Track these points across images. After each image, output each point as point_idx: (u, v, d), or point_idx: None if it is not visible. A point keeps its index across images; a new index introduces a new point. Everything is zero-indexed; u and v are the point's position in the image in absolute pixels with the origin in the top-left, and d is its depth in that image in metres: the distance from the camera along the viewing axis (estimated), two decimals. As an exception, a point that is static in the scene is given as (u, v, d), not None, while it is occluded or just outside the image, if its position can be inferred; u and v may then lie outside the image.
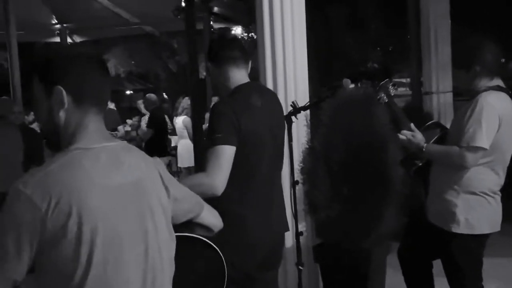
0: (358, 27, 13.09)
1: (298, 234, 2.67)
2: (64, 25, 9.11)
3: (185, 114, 7.67)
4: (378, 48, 15.95)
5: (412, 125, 2.85)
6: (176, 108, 8.33)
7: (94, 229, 1.31)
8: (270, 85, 3.15)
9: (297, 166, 3.04)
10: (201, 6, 7.80)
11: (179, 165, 7.95)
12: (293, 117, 2.65)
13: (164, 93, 19.28)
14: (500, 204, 2.82)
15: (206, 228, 1.75)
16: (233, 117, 2.18)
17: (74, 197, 1.29)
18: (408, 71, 9.77)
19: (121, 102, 19.93)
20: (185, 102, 7.75)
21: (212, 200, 1.88)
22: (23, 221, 1.28)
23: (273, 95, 2.61)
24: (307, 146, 3.19)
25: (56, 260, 1.29)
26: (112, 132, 8.16)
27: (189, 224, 1.69)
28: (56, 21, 9.08)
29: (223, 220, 1.84)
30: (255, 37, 9.59)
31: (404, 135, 2.83)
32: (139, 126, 8.90)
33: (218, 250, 1.75)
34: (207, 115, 7.98)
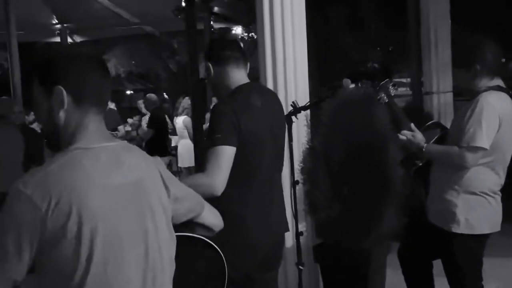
0: (358, 27, 13.09)
1: (298, 234, 2.67)
2: (65, 25, 9.12)
3: (186, 114, 7.67)
4: (378, 48, 15.96)
5: (412, 125, 2.85)
6: (177, 108, 8.33)
7: (94, 229, 1.31)
8: (270, 85, 3.15)
9: (297, 166, 3.05)
10: (202, 6, 7.81)
11: (179, 165, 7.96)
12: (293, 117, 2.65)
13: (164, 93, 19.30)
14: (500, 204, 2.82)
15: (206, 228, 1.75)
16: (234, 117, 2.18)
17: (74, 197, 1.29)
18: (408, 71, 9.78)
19: (121, 102, 19.94)
20: (186, 102, 7.76)
21: (212, 200, 1.88)
22: (23, 221, 1.28)
23: (273, 95, 2.61)
24: (307, 146, 3.19)
25: (56, 260, 1.30)
26: (113, 132, 8.16)
27: (190, 224, 1.69)
28: (57, 21, 9.09)
29: (224, 220, 1.84)
30: (255, 37, 9.59)
31: (404, 135, 2.83)
32: (139, 125, 8.90)
33: (218, 250, 1.75)
34: (207, 115, 7.98)
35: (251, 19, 7.86)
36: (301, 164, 3.15)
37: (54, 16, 8.97)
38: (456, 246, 2.77)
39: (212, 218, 1.77)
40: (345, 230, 3.07)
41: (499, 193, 2.80)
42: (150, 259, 1.42)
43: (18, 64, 6.69)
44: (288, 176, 2.78)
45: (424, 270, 3.12)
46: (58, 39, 9.40)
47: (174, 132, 8.21)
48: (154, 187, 1.49)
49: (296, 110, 2.66)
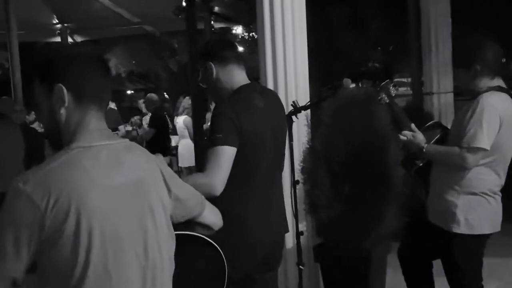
0: (358, 26, 13.08)
1: (298, 234, 2.67)
2: (65, 25, 9.11)
3: (186, 114, 7.67)
4: (379, 48, 15.95)
5: (413, 125, 2.85)
6: (177, 108, 8.33)
7: (93, 229, 1.31)
8: (270, 85, 3.15)
9: (297, 166, 3.05)
10: (202, 6, 7.79)
11: (180, 164, 7.95)
12: (293, 117, 2.65)
13: (165, 93, 19.29)
14: (501, 204, 2.82)
15: (206, 226, 1.75)
16: (235, 117, 2.17)
17: (74, 197, 1.29)
18: (408, 71, 9.78)
19: (122, 102, 19.94)
20: (186, 101, 7.75)
21: (212, 200, 1.88)
22: (22, 219, 1.28)
23: (274, 95, 2.61)
24: (308, 146, 3.19)
25: (55, 259, 1.30)
26: (113, 132, 8.14)
27: (190, 223, 1.69)
28: (57, 21, 9.08)
29: (224, 220, 1.84)
30: (256, 37, 9.59)
31: (404, 135, 2.83)
32: (141, 124, 8.90)
33: (219, 248, 1.75)
34: (208, 115, 7.99)
35: (252, 19, 7.85)
36: (302, 164, 3.15)
37: (55, 16, 8.96)
38: (456, 246, 2.77)
39: (213, 217, 1.78)
40: (346, 230, 3.07)
41: (499, 193, 2.80)
42: (150, 258, 1.43)
43: (19, 64, 6.69)
44: (288, 176, 2.78)
45: (424, 270, 3.12)
46: (58, 39, 9.39)
47: (174, 132, 8.21)
48: (155, 186, 1.49)
49: (297, 109, 2.66)
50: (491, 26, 9.35)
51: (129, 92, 24.12)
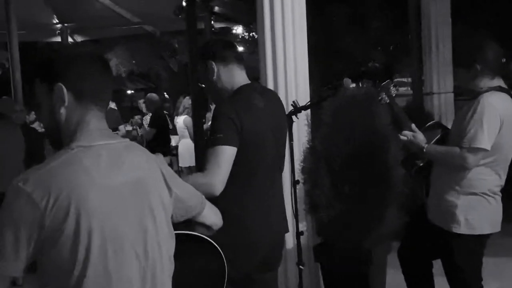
0: (359, 26, 13.08)
1: (298, 234, 2.68)
2: (65, 24, 9.11)
3: (186, 114, 7.68)
4: (379, 48, 15.95)
5: (413, 125, 2.85)
6: (177, 108, 8.34)
7: (93, 228, 1.31)
8: (270, 85, 3.15)
9: (297, 165, 3.05)
10: (202, 6, 7.80)
11: (180, 164, 7.96)
12: (293, 117, 2.66)
13: (165, 93, 19.30)
14: (501, 204, 2.81)
15: (206, 226, 1.75)
16: (235, 117, 2.17)
17: (74, 196, 1.29)
18: (409, 71, 9.78)
19: (122, 102, 19.95)
20: (186, 101, 7.76)
21: (212, 200, 1.88)
22: (22, 219, 1.28)
23: (274, 95, 2.61)
24: (308, 146, 3.19)
25: (55, 259, 1.30)
26: (113, 132, 8.14)
27: (190, 222, 1.69)
28: (57, 21, 9.09)
29: (224, 220, 1.84)
30: (256, 37, 9.59)
31: (405, 135, 2.83)
32: (141, 124, 8.90)
33: (218, 248, 1.75)
34: (208, 115, 8.00)
35: (252, 19, 7.86)
36: (302, 164, 3.15)
37: (55, 16, 8.97)
38: (456, 246, 2.77)
39: (213, 216, 1.78)
40: (346, 229, 3.07)
41: (499, 193, 2.80)
42: (150, 258, 1.43)
43: (19, 63, 6.69)
44: (288, 175, 2.78)
45: (424, 270, 3.12)
46: (58, 39, 9.40)
47: (174, 132, 8.21)
48: (155, 186, 1.49)
49: (297, 109, 2.66)
50: (491, 26, 9.35)
51: (129, 92, 24.14)
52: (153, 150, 1.61)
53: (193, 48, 6.50)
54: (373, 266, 3.17)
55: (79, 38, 9.81)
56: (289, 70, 3.17)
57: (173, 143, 8.31)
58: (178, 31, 11.92)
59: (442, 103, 5.63)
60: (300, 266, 2.68)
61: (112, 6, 8.27)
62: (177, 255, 1.53)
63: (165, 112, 8.40)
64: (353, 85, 2.76)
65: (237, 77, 2.38)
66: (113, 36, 12.90)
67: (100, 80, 1.47)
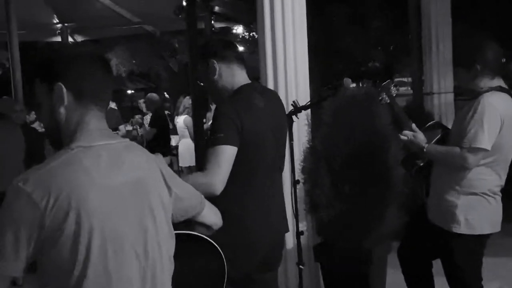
0: (359, 26, 13.07)
1: (298, 234, 2.68)
2: (65, 24, 9.11)
3: (186, 113, 7.68)
4: (379, 48, 15.94)
5: (413, 125, 2.85)
6: (177, 107, 8.34)
7: (93, 229, 1.31)
8: (271, 84, 3.15)
9: (298, 165, 3.05)
10: (202, 6, 7.80)
11: (180, 164, 7.96)
12: (293, 117, 2.66)
13: (165, 93, 19.30)
14: (501, 204, 2.81)
15: (206, 226, 1.75)
16: (236, 117, 2.17)
17: (74, 196, 1.29)
18: (409, 71, 9.78)
19: (122, 102, 19.95)
20: (186, 101, 7.76)
21: (213, 200, 1.88)
22: (22, 219, 1.28)
23: (274, 95, 2.61)
24: (308, 146, 3.19)
25: (56, 259, 1.30)
26: (113, 132, 8.14)
27: (189, 222, 1.69)
28: (58, 21, 9.09)
29: (224, 220, 1.84)
30: (256, 36, 9.60)
31: (405, 135, 2.83)
32: (142, 123, 8.90)
33: (218, 248, 1.75)
34: (208, 114, 8.00)
35: (252, 19, 7.86)
36: (302, 164, 3.15)
37: (55, 16, 8.97)
38: (456, 246, 2.77)
39: (212, 216, 1.78)
40: (346, 229, 3.07)
41: (499, 193, 2.80)
42: (150, 258, 1.43)
43: (19, 63, 6.69)
44: (289, 175, 2.78)
45: (424, 269, 3.12)
46: (59, 39, 9.39)
47: (174, 132, 8.22)
48: (155, 186, 1.49)
49: (297, 109, 2.66)
50: (492, 25, 9.34)
51: (129, 92, 24.14)
52: (153, 150, 1.61)
53: (193, 48, 6.50)
54: (373, 266, 3.17)
55: (79, 38, 9.81)
56: (289, 70, 3.17)
57: (173, 143, 8.31)
58: (178, 31, 11.92)
59: (442, 103, 5.63)
60: (300, 266, 2.68)
61: (112, 6, 8.27)
62: (177, 255, 1.53)
63: (166, 112, 8.40)
64: (353, 85, 2.76)
65: (238, 76, 2.38)
66: (113, 36, 12.90)
67: (100, 80, 1.46)
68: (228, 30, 17.21)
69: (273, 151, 2.36)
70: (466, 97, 2.91)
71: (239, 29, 17.78)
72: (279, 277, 2.68)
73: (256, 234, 2.28)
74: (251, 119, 2.22)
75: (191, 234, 1.70)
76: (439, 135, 2.96)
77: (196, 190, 1.75)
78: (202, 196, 1.75)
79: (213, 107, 7.94)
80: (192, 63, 6.54)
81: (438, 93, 5.55)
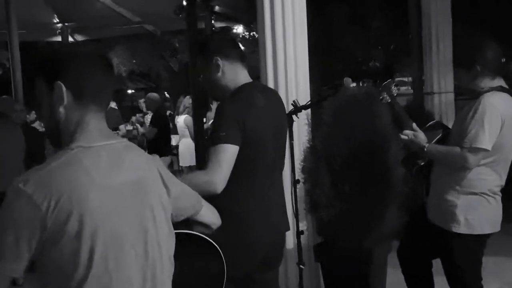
0: (359, 25, 13.07)
1: (299, 233, 2.68)
2: (66, 24, 9.12)
3: (187, 113, 7.68)
4: (380, 47, 15.93)
5: (414, 124, 2.85)
6: (178, 107, 8.34)
7: (95, 229, 1.31)
8: (271, 84, 3.15)
9: (298, 165, 3.05)
10: (203, 5, 7.81)
11: (180, 164, 7.97)
12: (294, 116, 2.66)
13: (165, 92, 19.31)
14: (501, 204, 2.81)
15: (204, 225, 1.76)
16: (238, 116, 2.17)
17: (75, 197, 1.29)
18: (409, 70, 9.77)
19: (122, 101, 19.95)
20: (187, 101, 7.76)
21: (213, 199, 1.88)
22: (23, 220, 1.28)
23: (274, 94, 2.61)
24: (308, 145, 3.19)
25: (57, 259, 1.30)
26: (114, 131, 8.14)
27: (188, 222, 1.70)
28: (58, 20, 9.09)
29: (224, 219, 1.84)
30: (256, 36, 9.59)
31: (406, 134, 2.83)
32: (143, 122, 8.89)
33: (217, 247, 1.75)
34: (208, 114, 8.00)
35: (252, 18, 7.86)
36: (302, 163, 3.15)
37: (55, 15, 8.98)
38: (456, 246, 2.77)
39: (210, 215, 1.78)
40: (346, 229, 3.07)
41: (499, 193, 2.80)
42: (150, 258, 1.43)
43: (19, 63, 6.69)
44: (289, 175, 2.78)
45: (423, 269, 3.12)
46: (59, 38, 9.40)
47: (174, 131, 8.22)
48: (155, 186, 1.49)
49: (297, 109, 2.66)
50: (492, 25, 9.34)
51: (129, 91, 24.14)
52: (154, 150, 1.61)
53: (193, 48, 6.51)
54: (373, 266, 3.17)
55: (79, 38, 9.82)
56: (290, 69, 3.17)
57: (173, 143, 8.31)
58: (178, 30, 11.93)
59: (442, 102, 5.63)
60: (301, 266, 2.68)
61: (112, 6, 8.27)
62: (177, 255, 1.53)
63: (167, 112, 8.40)
64: (354, 84, 2.76)
65: (240, 75, 2.37)
66: (114, 35, 12.89)
67: (101, 79, 1.46)
68: (228, 29, 17.20)
69: (274, 150, 2.36)
70: (467, 97, 2.91)
71: (239, 29, 17.77)
72: (280, 277, 2.68)
73: (256, 234, 2.28)
74: (253, 118, 2.22)
75: (190, 233, 1.71)
76: (440, 135, 2.96)
77: (197, 188, 1.75)
78: (199, 196, 1.75)
79: (213, 106, 7.94)
80: (192, 62, 6.54)
81: (438, 92, 5.55)
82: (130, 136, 8.43)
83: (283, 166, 2.52)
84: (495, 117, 2.62)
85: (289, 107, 2.74)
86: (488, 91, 2.70)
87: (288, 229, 2.52)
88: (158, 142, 7.32)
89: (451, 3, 5.68)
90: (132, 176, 1.42)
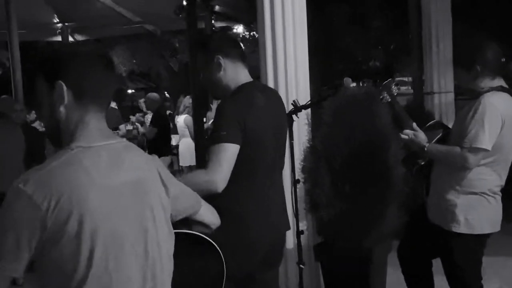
0: (359, 25, 13.07)
1: (299, 233, 2.68)
2: (66, 24, 9.12)
3: (187, 113, 7.68)
4: (380, 47, 15.93)
5: (414, 124, 2.85)
6: (178, 107, 8.34)
7: (95, 229, 1.31)
8: (271, 84, 3.15)
9: (298, 165, 3.05)
10: (203, 5, 7.81)
11: (180, 164, 7.97)
12: (294, 116, 2.65)
13: (165, 92, 19.31)
14: (501, 204, 2.81)
15: (204, 225, 1.76)
16: (239, 115, 2.17)
17: (75, 197, 1.29)
18: (409, 70, 9.77)
19: (122, 101, 19.93)
20: (187, 100, 7.77)
21: (213, 199, 1.88)
22: (23, 220, 1.28)
23: (275, 94, 2.61)
24: (308, 145, 3.19)
25: (57, 259, 1.30)
26: (114, 131, 8.14)
27: (187, 221, 1.70)
28: (58, 20, 9.09)
29: (224, 219, 1.84)
30: (256, 36, 9.59)
31: (406, 134, 2.83)
32: (144, 122, 8.89)
33: (216, 246, 1.75)
34: (208, 114, 8.00)
35: (252, 18, 7.86)
36: (302, 163, 3.15)
37: (56, 15, 8.98)
38: (455, 246, 2.77)
39: (209, 215, 1.78)
40: (346, 228, 3.07)
41: (499, 193, 2.80)
42: (150, 258, 1.43)
43: (19, 63, 6.70)
44: (289, 174, 2.78)
45: (423, 269, 3.12)
46: (59, 38, 9.40)
47: (174, 131, 8.22)
48: (154, 186, 1.49)
49: (297, 109, 2.66)
50: (492, 25, 9.34)
51: (130, 91, 24.14)
52: (154, 149, 1.62)
53: (193, 48, 6.50)
54: (373, 265, 3.17)
55: (79, 38, 9.82)
56: (290, 69, 3.16)
57: (173, 142, 8.31)
58: (178, 30, 11.93)
59: (442, 102, 5.62)
60: (301, 266, 2.68)
61: (112, 6, 8.28)
62: (176, 254, 1.53)
63: (168, 112, 8.40)
64: (354, 84, 2.76)
65: (241, 74, 2.37)
66: (114, 35, 12.90)
67: (102, 79, 1.46)
68: (229, 29, 17.21)
69: (274, 150, 2.36)
70: (467, 96, 2.91)
71: (239, 29, 17.75)
72: (280, 277, 2.69)
73: (256, 234, 2.28)
74: (253, 117, 2.22)
75: (190, 233, 1.71)
76: (440, 135, 2.96)
77: (198, 187, 1.75)
78: (198, 195, 1.75)
79: (213, 106, 7.95)
80: (192, 62, 6.54)
81: (438, 92, 5.54)
82: (130, 136, 8.43)
83: (283, 166, 2.52)
84: (495, 117, 2.63)
85: (289, 107, 2.73)
86: (488, 91, 2.70)
87: (289, 228, 2.52)
88: (158, 142, 7.32)
89: (451, 3, 5.68)
90: (132, 176, 1.42)
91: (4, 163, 4.47)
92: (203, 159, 2.20)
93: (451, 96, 5.63)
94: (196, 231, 1.72)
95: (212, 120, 7.03)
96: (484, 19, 9.77)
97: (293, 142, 2.66)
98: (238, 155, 2.16)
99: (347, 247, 3.07)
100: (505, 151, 2.73)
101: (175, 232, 1.54)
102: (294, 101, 2.69)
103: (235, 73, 2.35)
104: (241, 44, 2.48)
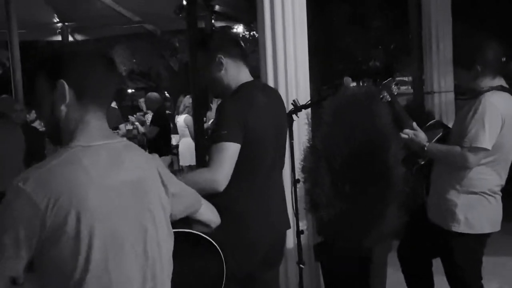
0: (359, 25, 13.08)
1: (299, 233, 2.68)
2: (66, 23, 9.11)
3: (187, 113, 7.68)
4: (380, 47, 15.94)
5: (414, 124, 2.85)
6: (178, 107, 8.34)
7: (93, 228, 1.31)
8: (271, 84, 3.15)
9: (298, 164, 3.05)
10: (203, 5, 7.80)
11: (180, 163, 7.96)
12: (294, 116, 2.65)
13: (165, 92, 19.31)
14: (501, 204, 2.81)
15: (204, 224, 1.75)
16: (240, 114, 2.17)
17: (74, 196, 1.29)
18: (409, 70, 9.77)
19: (122, 101, 19.95)
20: (187, 100, 7.76)
21: (214, 198, 1.88)
22: (22, 219, 1.28)
23: (275, 94, 2.61)
24: (308, 145, 3.19)
25: (56, 259, 1.30)
26: (114, 131, 8.15)
27: (187, 220, 1.70)
28: (58, 20, 9.08)
29: (225, 219, 1.84)
30: (256, 36, 9.59)
31: (406, 134, 2.83)
32: (144, 121, 8.89)
33: (216, 246, 1.75)
34: (208, 113, 8.00)
35: (252, 18, 7.85)
36: (302, 163, 3.15)
37: (55, 15, 8.97)
38: (456, 245, 2.77)
39: (210, 214, 1.78)
40: (346, 228, 3.07)
41: (500, 192, 2.80)
42: (150, 257, 1.43)
43: (19, 62, 6.69)
44: (289, 174, 2.78)
45: (423, 268, 3.12)
46: (59, 38, 9.40)
47: (174, 131, 8.22)
48: (154, 186, 1.49)
49: (297, 108, 2.66)
50: (492, 24, 9.34)
51: (130, 91, 24.15)
52: (154, 149, 1.62)
53: (194, 47, 6.50)
54: (373, 265, 3.17)
55: (79, 37, 9.81)
56: (290, 69, 3.16)
57: (173, 142, 8.31)
58: (179, 30, 11.91)
59: (442, 102, 5.62)
60: (301, 265, 2.68)
61: (112, 5, 8.27)
62: (176, 254, 1.53)
63: (167, 111, 8.40)
64: (354, 84, 2.76)
65: (242, 73, 2.37)
66: (114, 35, 12.88)
67: (103, 79, 1.46)
68: (229, 29, 17.22)
69: (274, 149, 2.36)
70: (467, 96, 2.91)
71: (239, 28, 17.76)
72: (280, 276, 2.69)
73: (257, 233, 2.28)
74: (254, 117, 2.22)
75: (190, 232, 1.71)
76: (440, 134, 2.96)
77: (199, 186, 1.75)
78: (198, 194, 1.75)
79: (213, 106, 7.95)
80: (192, 62, 6.54)
81: (438, 92, 5.54)
82: (130, 136, 8.43)
83: (283, 166, 2.52)
84: (495, 117, 2.63)
85: (289, 107, 2.73)
86: (488, 90, 2.70)
87: (289, 227, 2.52)
88: (158, 142, 7.32)
89: (451, 3, 5.67)
90: (132, 175, 1.42)
91: (4, 163, 4.46)
92: (203, 158, 2.19)
93: (451, 96, 5.62)
94: (196, 230, 1.72)
95: (212, 120, 7.04)
96: (484, 19, 9.76)
97: (293, 142, 2.66)
98: (240, 154, 2.16)
99: (347, 247, 3.07)
100: (505, 150, 2.73)
101: (175, 232, 1.54)
102: (294, 100, 2.69)
103: (236, 72, 2.36)
104: (242, 43, 2.48)
